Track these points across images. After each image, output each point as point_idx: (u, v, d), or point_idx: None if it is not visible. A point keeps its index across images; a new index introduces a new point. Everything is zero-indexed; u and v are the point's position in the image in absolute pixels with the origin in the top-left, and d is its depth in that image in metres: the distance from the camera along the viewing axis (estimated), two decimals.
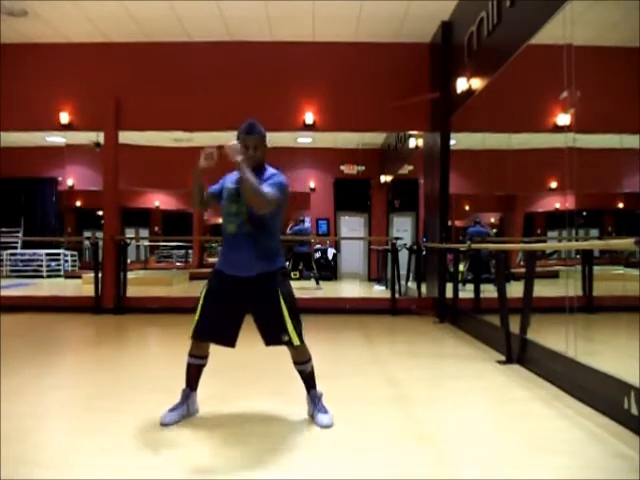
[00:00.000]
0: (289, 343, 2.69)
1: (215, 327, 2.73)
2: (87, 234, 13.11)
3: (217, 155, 2.60)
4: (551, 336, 3.86)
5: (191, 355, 2.82)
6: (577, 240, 6.90)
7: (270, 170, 2.78)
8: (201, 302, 2.75)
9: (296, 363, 2.82)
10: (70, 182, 11.86)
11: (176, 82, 7.46)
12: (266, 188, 2.56)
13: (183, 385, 2.84)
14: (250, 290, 2.70)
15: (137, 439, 2.53)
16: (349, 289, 10.59)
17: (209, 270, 2.93)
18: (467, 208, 9.32)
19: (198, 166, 2.63)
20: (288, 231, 10.07)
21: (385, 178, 11.91)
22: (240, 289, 2.70)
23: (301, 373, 2.83)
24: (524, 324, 4.06)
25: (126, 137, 7.93)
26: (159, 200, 14.08)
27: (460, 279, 6.67)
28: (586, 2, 4.12)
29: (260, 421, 2.82)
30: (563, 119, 5.09)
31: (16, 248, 12.03)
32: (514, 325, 4.16)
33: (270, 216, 2.68)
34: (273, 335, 2.72)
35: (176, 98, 7.43)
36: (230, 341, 2.75)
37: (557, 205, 8.70)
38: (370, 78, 7.43)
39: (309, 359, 2.82)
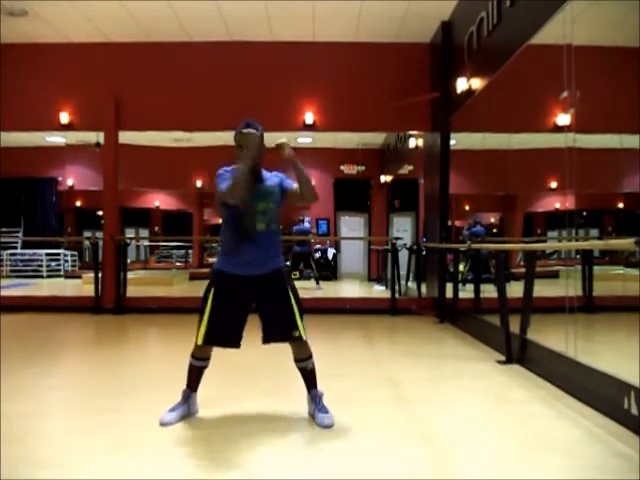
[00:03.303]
0: (299, 338, 2.72)
1: (226, 332, 2.73)
2: (87, 234, 13.12)
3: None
4: (551, 336, 3.86)
5: (194, 357, 2.81)
6: (577, 240, 6.90)
7: (266, 172, 2.80)
8: (209, 307, 2.71)
9: (297, 360, 2.82)
10: (70, 182, 11.88)
11: (176, 82, 7.47)
12: (295, 185, 2.74)
13: (183, 385, 2.84)
14: (259, 288, 2.71)
15: (137, 439, 2.53)
16: (349, 289, 10.59)
17: (209, 270, 2.92)
18: (467, 208, 9.32)
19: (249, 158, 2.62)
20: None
21: (385, 178, 11.91)
22: (248, 288, 2.70)
23: (302, 370, 2.83)
24: (524, 324, 4.06)
25: (126, 137, 7.93)
26: (159, 200, 14.09)
27: (460, 279, 6.67)
28: (586, 2, 4.12)
29: (260, 421, 2.82)
30: (563, 119, 5.08)
31: (16, 248, 12.05)
32: (514, 325, 4.15)
33: (279, 214, 2.79)
34: (283, 331, 2.73)
35: (176, 98, 7.43)
36: (237, 343, 2.75)
37: (557, 205, 8.70)
38: (370, 78, 7.43)
39: (310, 356, 2.83)
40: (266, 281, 2.72)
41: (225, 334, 2.73)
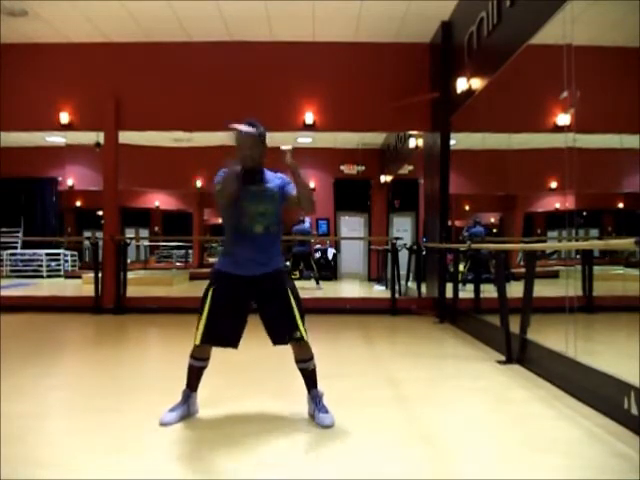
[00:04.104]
0: (301, 339, 2.71)
1: (224, 332, 2.73)
2: (87, 234, 13.12)
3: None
4: (551, 336, 3.86)
5: (193, 357, 2.81)
6: (577, 240, 6.90)
7: (270, 173, 2.79)
8: (208, 307, 2.71)
9: (299, 361, 2.82)
10: (70, 182, 11.87)
11: (176, 82, 7.47)
12: (295, 192, 2.70)
13: (183, 385, 2.84)
14: (258, 288, 2.71)
15: (137, 439, 2.53)
16: (349, 289, 10.59)
17: (209, 270, 2.92)
18: (467, 208, 9.32)
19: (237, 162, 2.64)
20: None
21: (385, 178, 11.91)
22: (248, 289, 2.71)
23: (303, 371, 2.83)
24: (524, 324, 4.06)
25: (126, 137, 7.93)
26: (159, 200, 14.08)
27: (460, 279, 6.67)
28: (586, 2, 4.12)
29: (260, 421, 2.82)
30: (563, 119, 5.08)
31: (16, 248, 12.04)
32: (514, 325, 4.15)
33: (281, 216, 2.79)
34: (284, 333, 2.72)
35: (176, 98, 7.43)
36: (235, 343, 2.76)
37: (557, 205, 8.70)
38: (370, 78, 7.43)
39: (312, 357, 2.83)
40: (265, 281, 2.71)
41: (223, 334, 2.73)
